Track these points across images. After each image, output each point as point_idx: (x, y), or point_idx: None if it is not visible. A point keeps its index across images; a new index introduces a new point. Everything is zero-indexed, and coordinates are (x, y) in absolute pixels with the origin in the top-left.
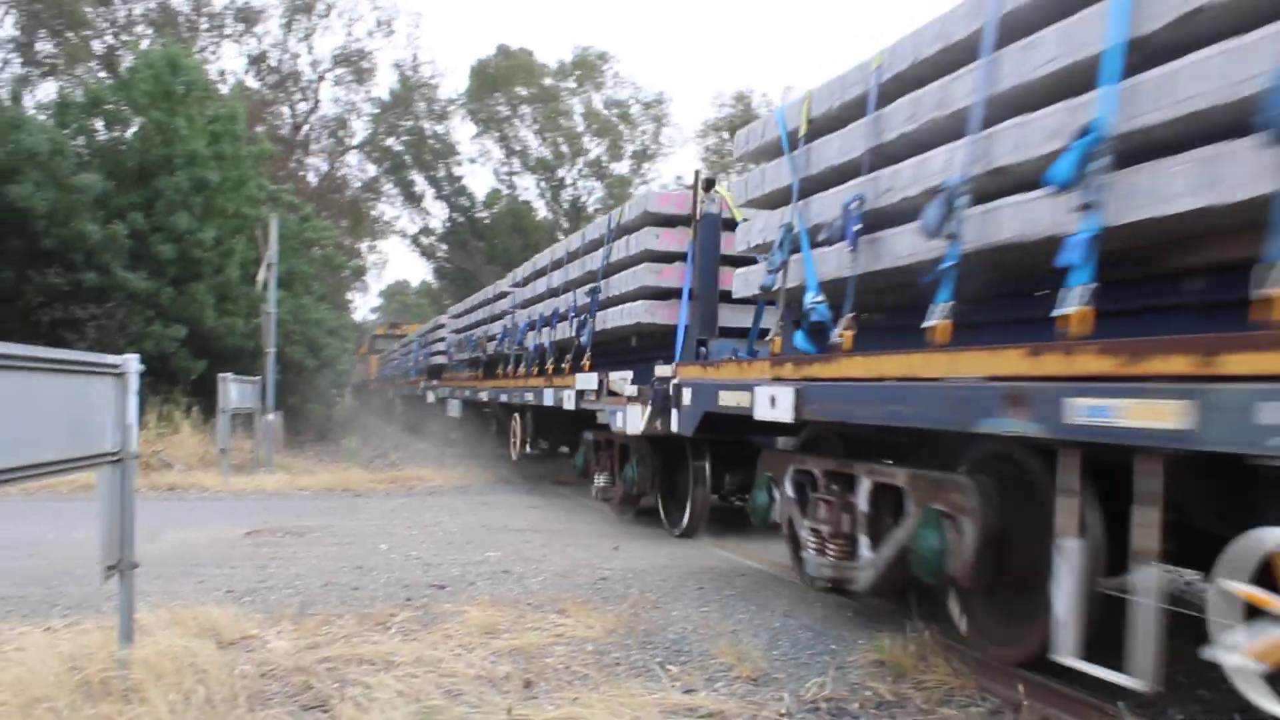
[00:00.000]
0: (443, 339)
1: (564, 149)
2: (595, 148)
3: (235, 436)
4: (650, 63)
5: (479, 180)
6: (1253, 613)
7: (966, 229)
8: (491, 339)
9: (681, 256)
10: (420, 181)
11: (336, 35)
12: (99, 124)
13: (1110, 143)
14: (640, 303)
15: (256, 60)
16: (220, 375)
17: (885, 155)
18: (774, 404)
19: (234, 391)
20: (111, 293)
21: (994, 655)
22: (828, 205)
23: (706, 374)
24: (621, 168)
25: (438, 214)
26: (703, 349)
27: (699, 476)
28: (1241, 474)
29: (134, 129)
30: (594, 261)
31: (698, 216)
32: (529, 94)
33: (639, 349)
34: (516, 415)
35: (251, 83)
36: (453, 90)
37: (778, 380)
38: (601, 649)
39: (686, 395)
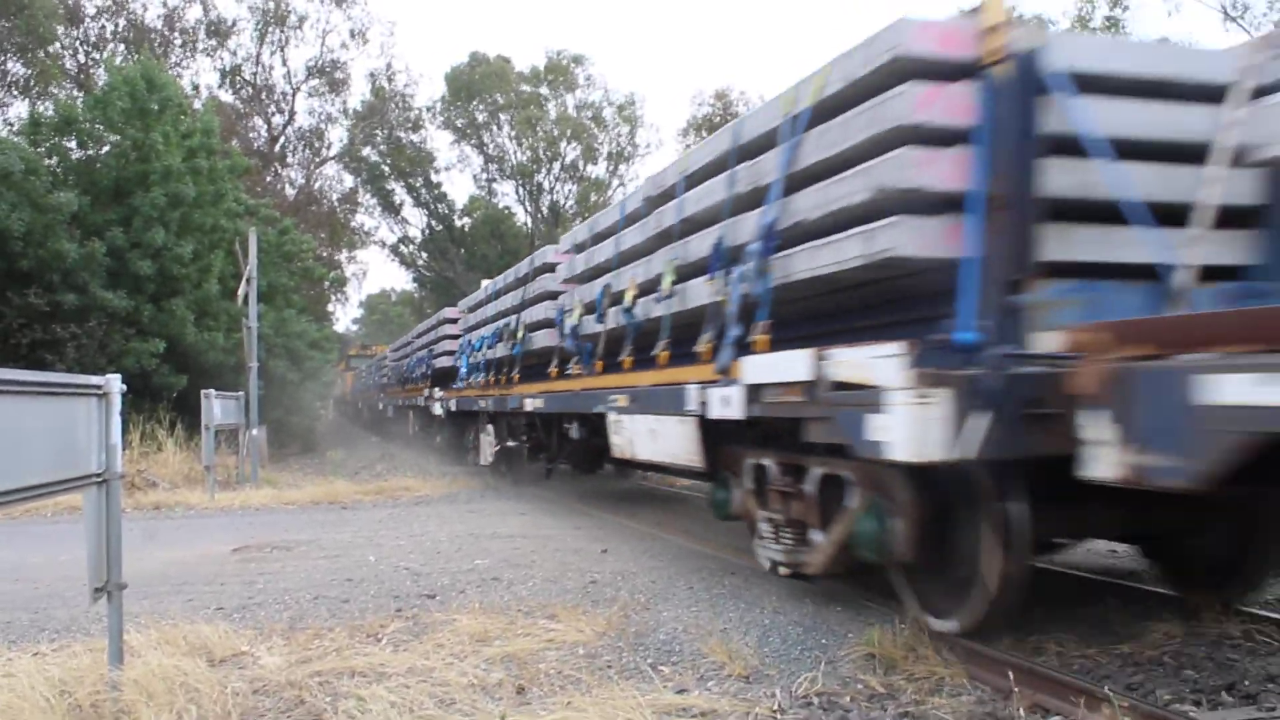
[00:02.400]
0: (387, 365)
1: (542, 154)
2: (571, 151)
3: (220, 452)
4: (629, 63)
5: (458, 187)
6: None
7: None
8: (404, 367)
9: (455, 337)
10: (398, 191)
11: (310, 47)
12: (72, 142)
13: None
14: (445, 357)
15: (230, 74)
16: (204, 391)
17: (474, 324)
18: (452, 406)
19: (217, 407)
20: (90, 312)
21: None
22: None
23: (444, 394)
24: (598, 170)
25: (416, 222)
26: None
27: (481, 435)
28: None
29: (108, 147)
30: (430, 336)
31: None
32: (505, 100)
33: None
34: (410, 411)
35: (226, 97)
36: (429, 98)
37: (453, 397)
38: (593, 652)
39: (446, 401)
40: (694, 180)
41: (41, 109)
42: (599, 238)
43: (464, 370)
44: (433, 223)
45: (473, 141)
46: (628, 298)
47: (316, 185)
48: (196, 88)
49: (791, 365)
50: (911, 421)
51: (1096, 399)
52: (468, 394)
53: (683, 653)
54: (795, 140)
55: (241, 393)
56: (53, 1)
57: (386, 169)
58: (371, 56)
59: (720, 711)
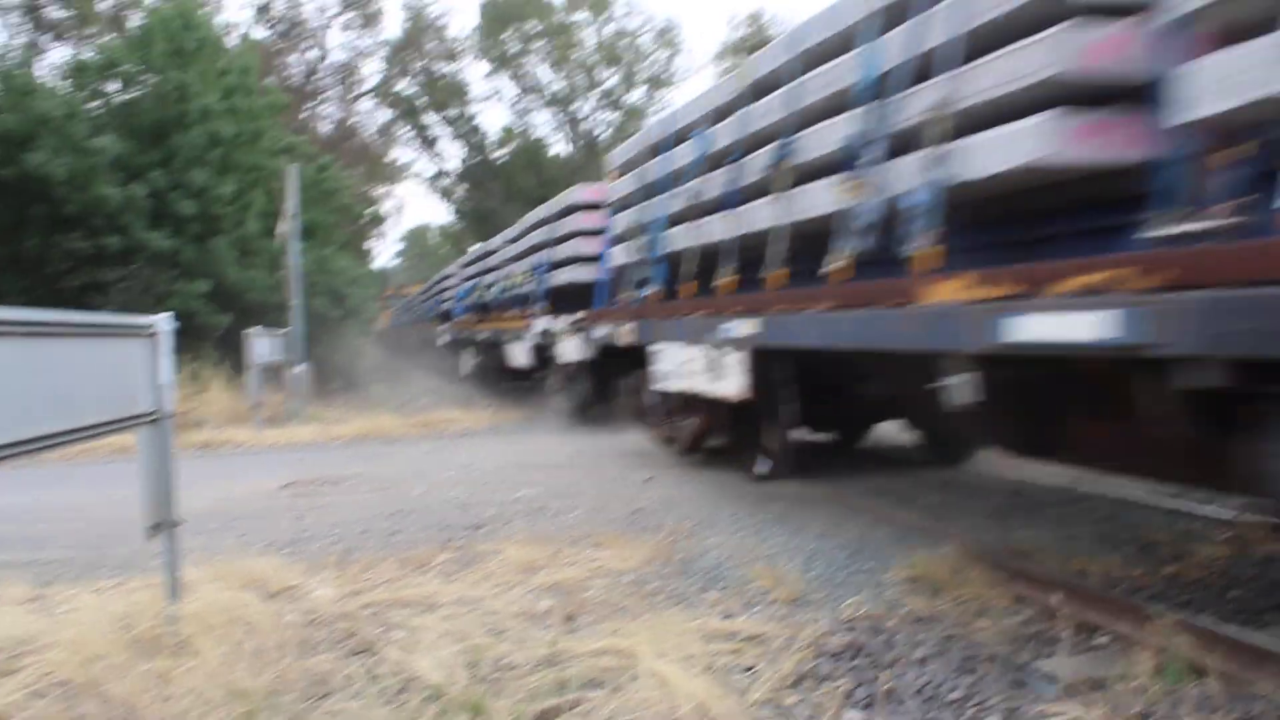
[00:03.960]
0: (415, 305)
1: (579, 82)
2: (610, 79)
3: (265, 390)
4: None
5: (496, 118)
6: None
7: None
8: (425, 309)
9: (453, 288)
10: (434, 124)
11: None
12: (112, 85)
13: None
14: (449, 302)
15: (262, 10)
16: (246, 330)
17: (462, 279)
18: (450, 337)
19: (262, 345)
20: (134, 254)
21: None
22: (460, 289)
23: (446, 327)
24: (635, 96)
25: (454, 155)
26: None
27: (462, 355)
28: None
29: (147, 89)
30: (439, 286)
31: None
32: (541, 28)
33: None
34: (428, 344)
35: (259, 33)
36: (463, 29)
37: (450, 329)
38: (640, 580)
39: (447, 333)
40: (522, 234)
41: (84, 53)
42: (505, 246)
43: (457, 311)
44: (470, 155)
45: (509, 72)
46: (510, 283)
47: (352, 120)
48: (228, 26)
49: (550, 322)
50: (569, 346)
51: None
52: (456, 328)
53: (729, 579)
54: (553, 225)
55: (285, 330)
56: None
57: (421, 102)
58: None
59: (767, 636)
